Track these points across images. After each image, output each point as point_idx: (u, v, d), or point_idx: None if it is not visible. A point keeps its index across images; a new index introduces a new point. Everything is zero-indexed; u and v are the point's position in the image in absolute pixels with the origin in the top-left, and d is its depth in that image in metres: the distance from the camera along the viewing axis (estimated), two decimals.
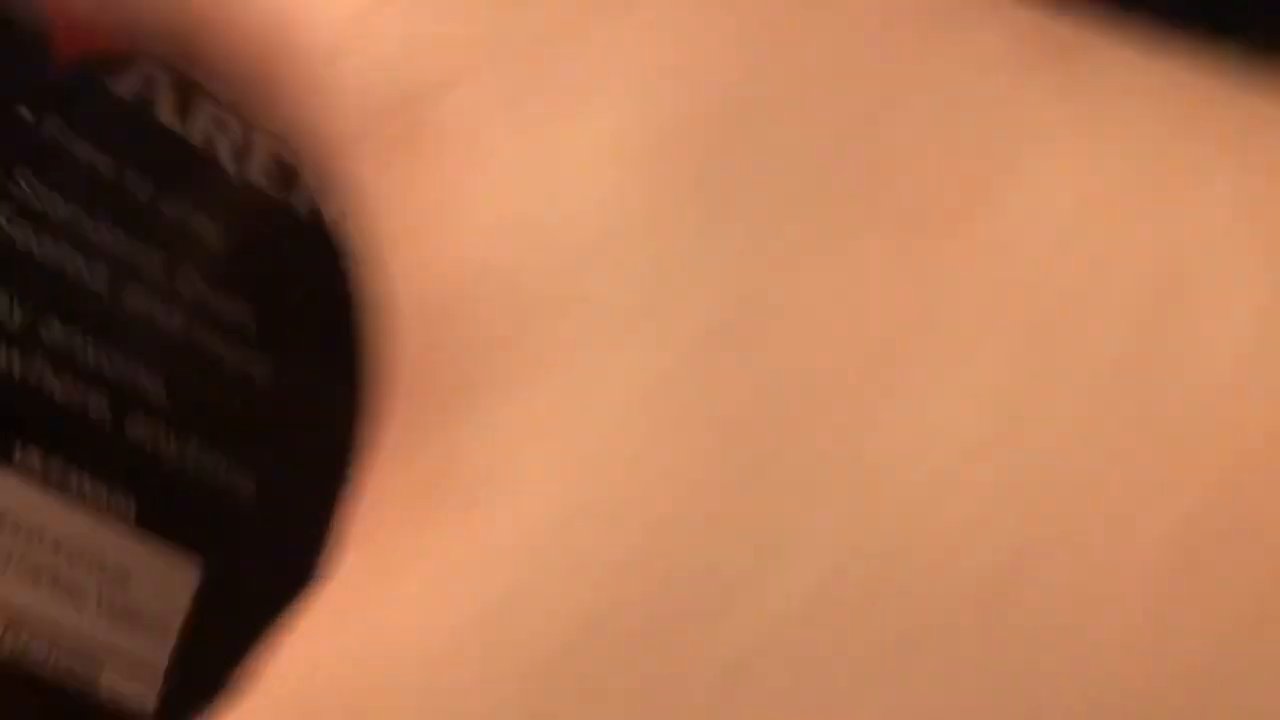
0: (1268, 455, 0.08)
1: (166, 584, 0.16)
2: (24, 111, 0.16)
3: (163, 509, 0.16)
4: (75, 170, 0.17)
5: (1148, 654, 0.08)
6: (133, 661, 0.16)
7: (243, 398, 0.17)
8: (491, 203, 0.10)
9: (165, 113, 0.17)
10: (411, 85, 0.10)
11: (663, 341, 0.09)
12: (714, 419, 0.09)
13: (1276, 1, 0.19)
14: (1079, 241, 0.09)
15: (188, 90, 0.17)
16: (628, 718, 0.08)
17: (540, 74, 0.10)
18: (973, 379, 0.08)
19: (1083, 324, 0.08)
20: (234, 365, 0.17)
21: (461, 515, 0.09)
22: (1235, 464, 0.08)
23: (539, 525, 0.09)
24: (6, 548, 0.15)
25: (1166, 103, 0.10)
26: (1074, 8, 0.10)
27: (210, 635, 0.16)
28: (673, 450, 0.09)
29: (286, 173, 0.18)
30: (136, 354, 0.17)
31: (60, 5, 0.16)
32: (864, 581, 0.08)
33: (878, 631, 0.08)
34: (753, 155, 0.09)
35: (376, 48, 0.10)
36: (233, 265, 0.18)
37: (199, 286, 0.17)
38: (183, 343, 0.17)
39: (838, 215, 0.09)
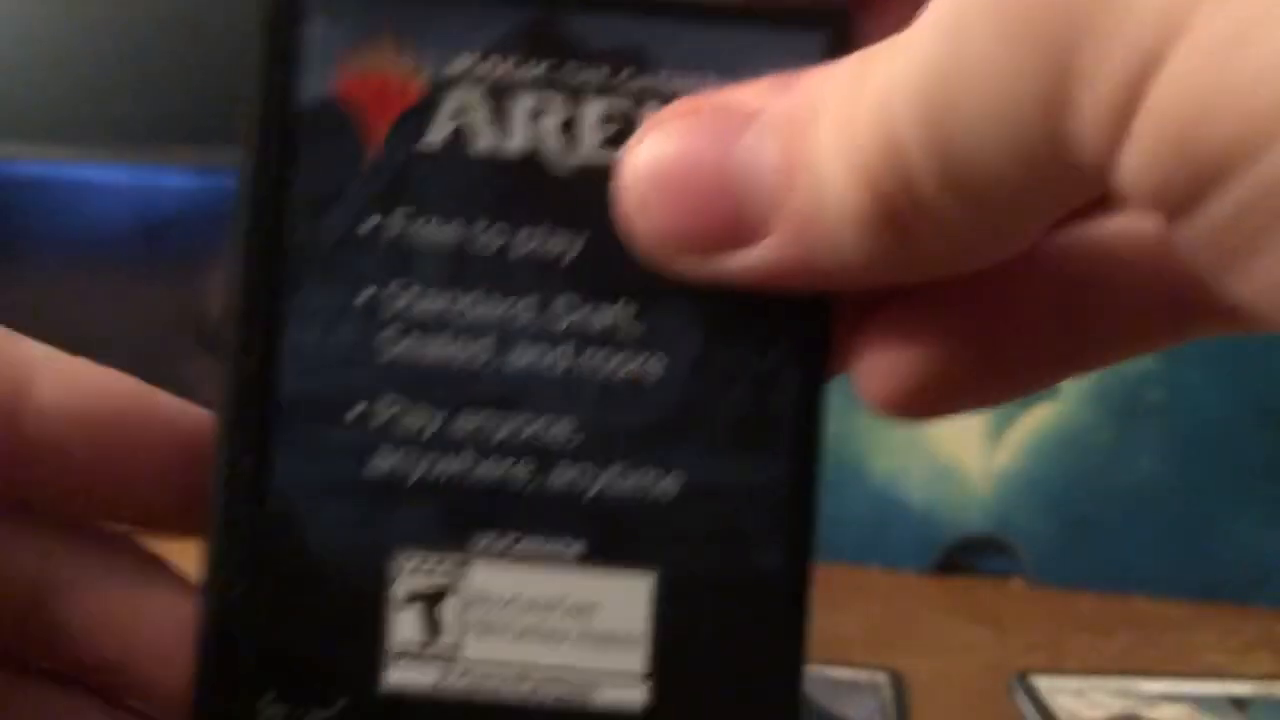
0: None
1: (626, 601, 0.18)
2: (370, 223, 0.18)
3: (604, 539, 0.18)
4: (431, 257, 0.18)
5: None
6: (615, 674, 0.18)
7: (643, 402, 0.18)
8: None
9: (482, 136, 0.18)
10: None
11: None
12: None
13: None
14: None
15: (500, 93, 0.18)
16: None
17: None
18: None
19: None
20: (627, 373, 0.18)
21: None
22: None
23: None
24: (493, 619, 0.18)
25: None
26: None
27: (675, 628, 0.18)
28: None
29: (623, 126, 0.18)
30: (538, 407, 0.18)
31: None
32: None
33: None
34: None
35: None
36: (593, 265, 0.18)
37: (572, 309, 0.18)
38: (575, 376, 0.18)
39: None
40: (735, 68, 0.17)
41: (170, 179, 0.57)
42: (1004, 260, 0.16)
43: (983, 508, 0.59)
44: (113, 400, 0.18)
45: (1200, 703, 0.48)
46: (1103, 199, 0.16)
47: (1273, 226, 0.12)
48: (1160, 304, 0.18)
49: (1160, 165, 0.13)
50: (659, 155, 0.17)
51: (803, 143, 0.16)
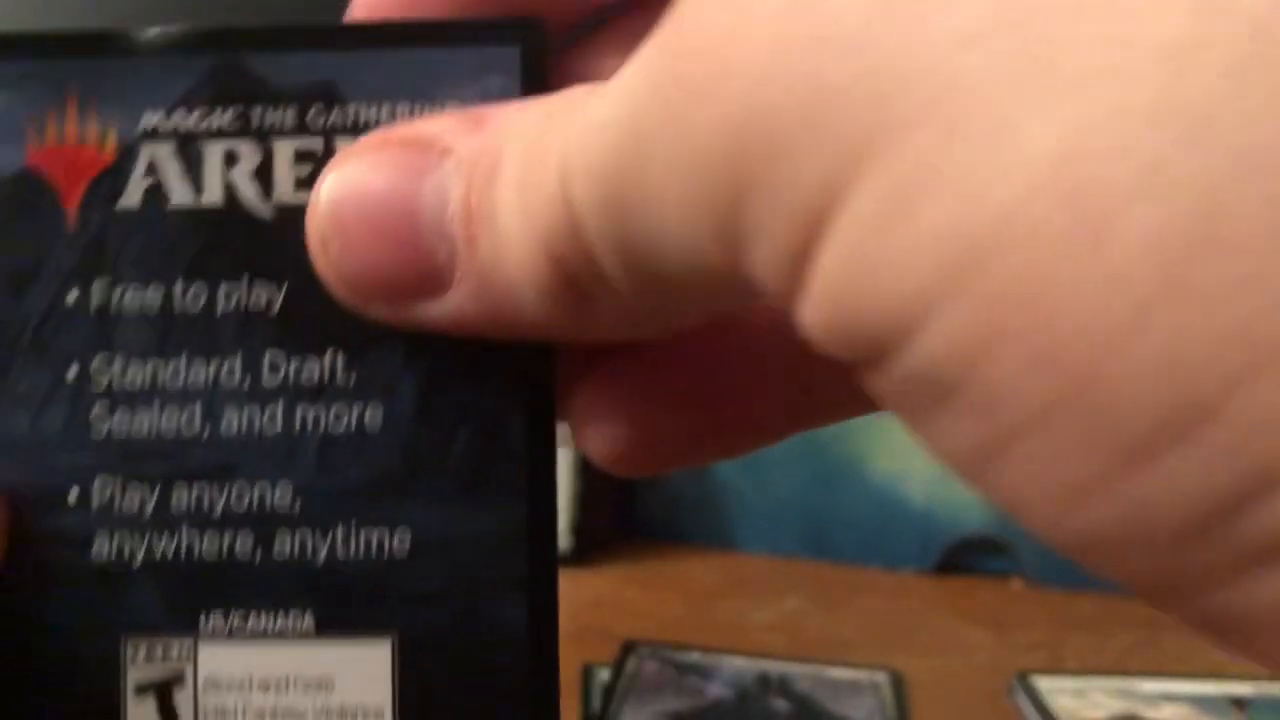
0: None
1: (365, 671, 0.17)
2: (71, 295, 0.17)
3: (336, 607, 0.17)
4: (135, 325, 0.17)
5: None
6: None
7: (362, 457, 0.17)
8: None
9: (176, 192, 0.17)
10: None
11: None
12: None
13: None
14: None
15: (191, 145, 0.17)
16: None
17: None
18: None
19: None
20: (343, 426, 0.17)
21: None
22: None
23: None
24: (228, 704, 0.17)
25: None
26: None
27: (420, 693, 0.17)
28: None
29: (316, 166, 0.17)
30: (253, 473, 0.17)
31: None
32: None
33: None
34: None
35: None
36: (297, 315, 0.17)
37: (280, 364, 0.17)
38: (288, 436, 0.17)
39: None
40: (430, 91, 0.17)
41: None
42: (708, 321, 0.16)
43: (983, 508, 0.59)
44: None
45: (1200, 702, 0.48)
46: None
47: (935, 408, 0.11)
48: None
49: (832, 331, 0.12)
50: (343, 192, 0.16)
51: (486, 193, 0.15)
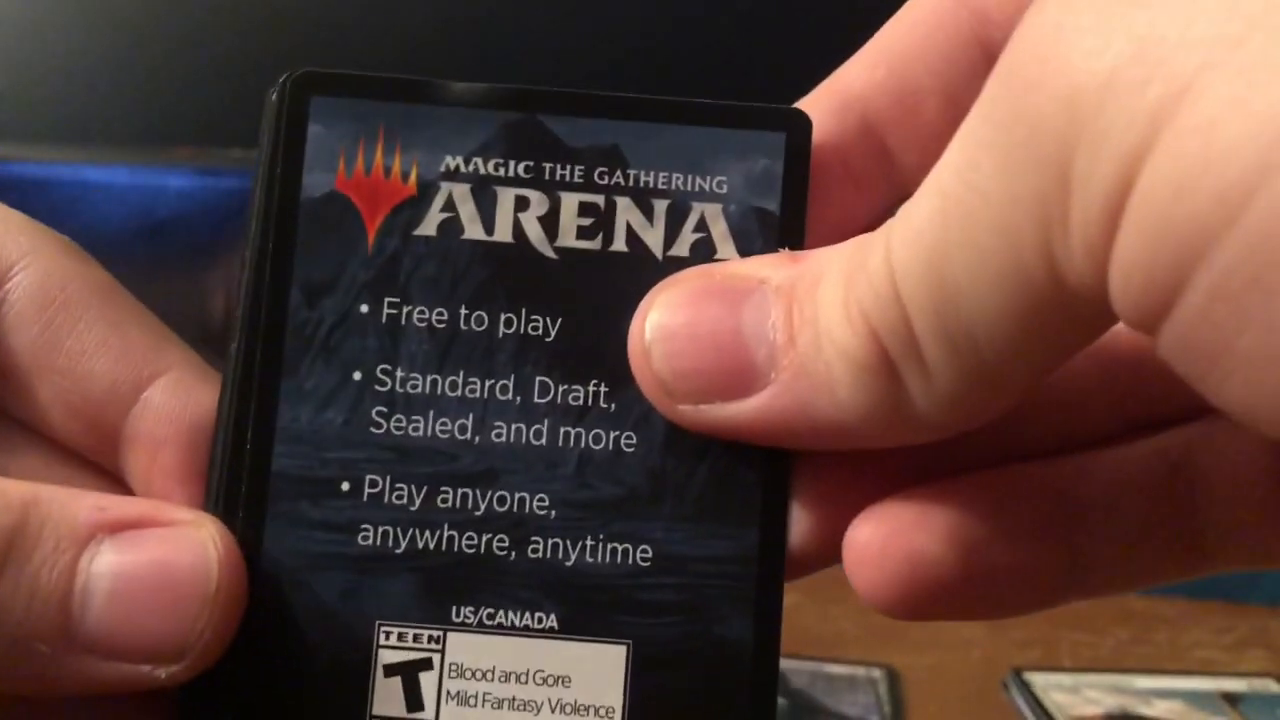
0: None
1: (600, 672, 0.19)
2: (363, 307, 0.19)
3: (578, 611, 0.19)
4: (420, 340, 0.19)
5: None
6: None
7: (614, 477, 0.19)
8: None
9: (469, 228, 0.19)
10: None
11: None
12: None
13: None
14: None
15: (485, 189, 0.19)
16: None
17: None
18: None
19: None
20: (600, 446, 0.19)
21: None
22: None
23: None
24: (470, 691, 0.19)
25: None
26: None
27: (648, 698, 0.19)
28: None
29: (598, 218, 0.19)
30: (515, 483, 0.19)
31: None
32: None
33: None
34: None
35: None
36: (568, 347, 0.19)
37: (549, 388, 0.19)
38: (550, 451, 0.19)
39: None
40: (703, 165, 0.19)
41: (171, 179, 0.57)
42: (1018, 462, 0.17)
43: None
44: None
45: (1193, 699, 0.48)
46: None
47: (1248, 302, 0.12)
48: (1170, 535, 0.18)
49: (1143, 257, 0.13)
50: (669, 318, 0.18)
51: (806, 302, 0.17)
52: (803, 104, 0.20)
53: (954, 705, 0.50)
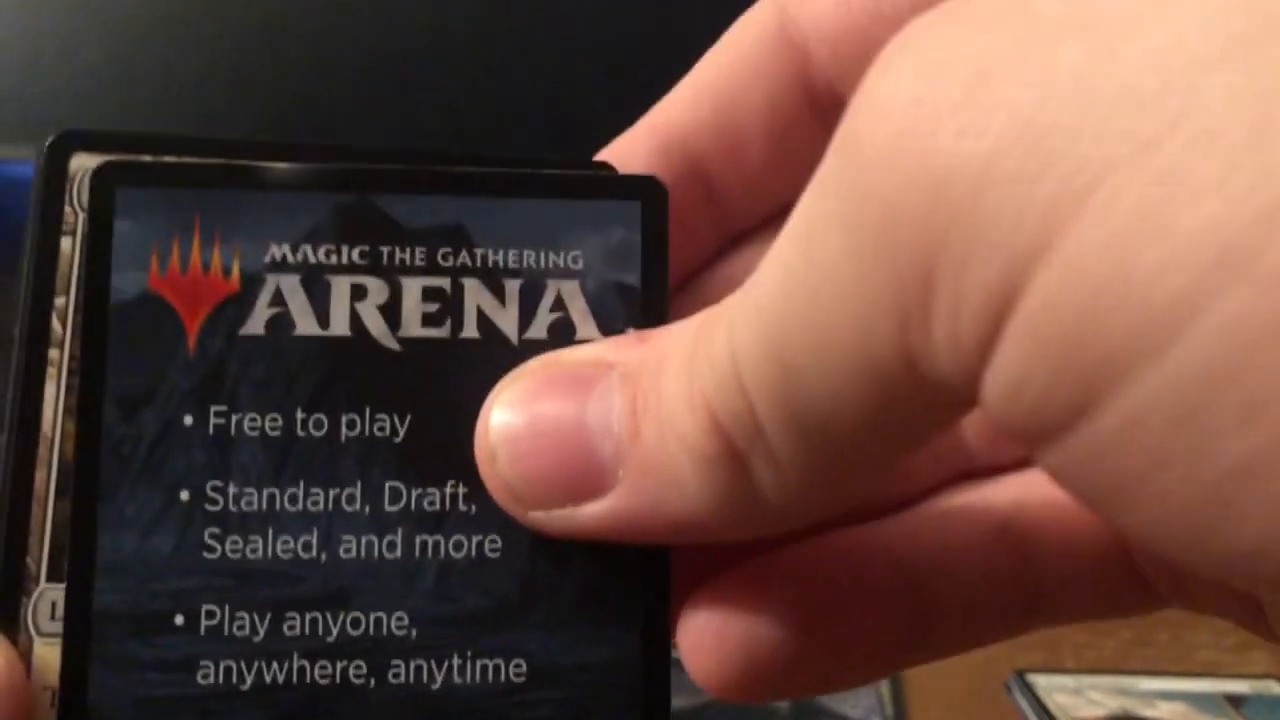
0: None
1: None
2: (187, 419, 0.17)
3: None
4: (253, 451, 0.17)
5: None
6: None
7: (480, 586, 0.17)
8: None
9: (301, 322, 0.17)
10: None
11: None
12: None
13: None
14: None
15: (317, 279, 0.17)
16: None
17: None
18: None
19: None
20: (462, 554, 0.17)
21: None
22: None
23: None
24: None
25: None
26: None
27: None
28: None
29: (443, 303, 0.17)
30: (370, 602, 0.17)
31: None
32: None
33: None
34: None
35: None
36: (420, 446, 0.17)
37: (401, 494, 0.17)
38: (406, 564, 0.17)
39: None
40: (555, 239, 0.17)
41: None
42: (843, 526, 0.16)
43: None
44: None
45: (1196, 700, 0.48)
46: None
47: (1171, 441, 0.10)
48: (1007, 591, 0.18)
49: (1039, 375, 0.11)
50: (513, 417, 0.17)
51: (650, 390, 0.15)
52: (623, 141, 0.19)
53: (956, 707, 0.49)
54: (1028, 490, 0.18)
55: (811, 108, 0.18)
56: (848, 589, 0.17)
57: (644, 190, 0.18)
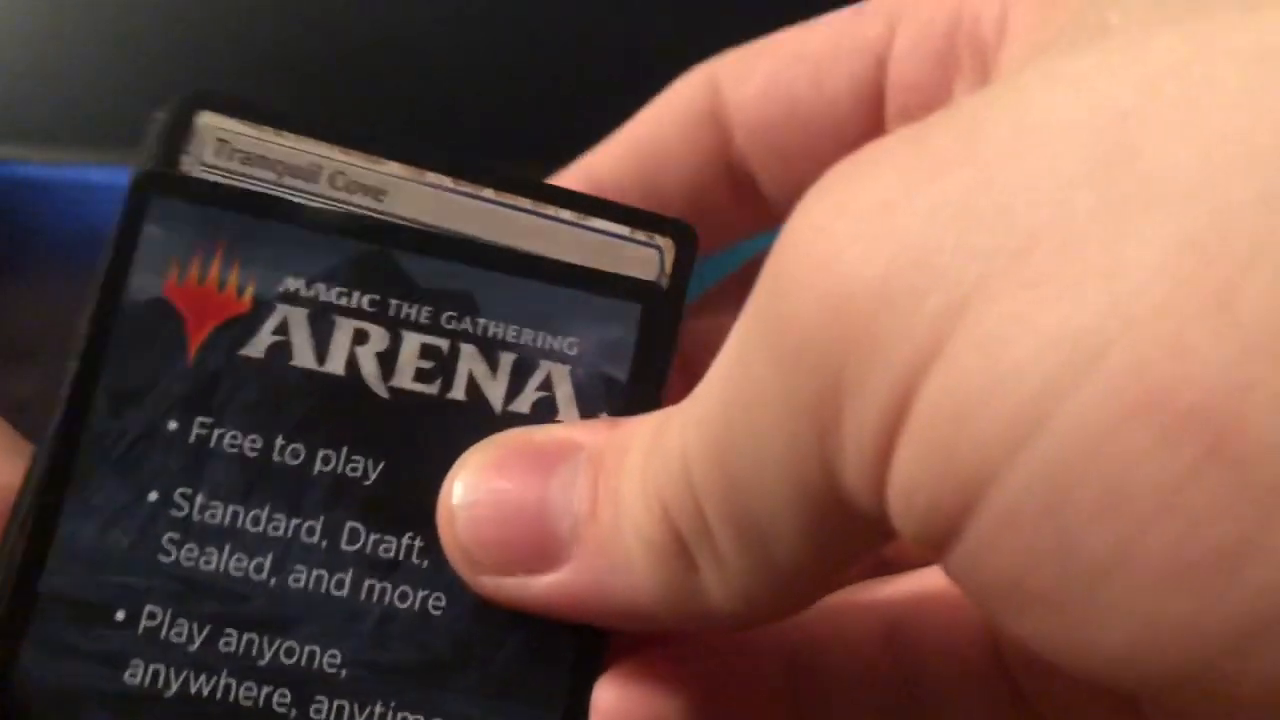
0: None
1: None
2: (170, 424, 0.18)
3: None
4: (228, 467, 0.18)
5: None
6: None
7: (416, 641, 0.18)
8: None
9: (300, 354, 0.18)
10: None
11: None
12: None
13: None
14: None
15: (324, 317, 0.18)
16: None
17: None
18: None
19: None
20: (406, 606, 0.18)
21: None
22: None
23: None
24: None
25: None
26: None
27: None
28: None
29: (438, 363, 0.18)
30: (308, 634, 0.17)
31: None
32: None
33: None
34: None
35: None
36: (387, 494, 0.18)
37: (360, 536, 0.18)
38: (351, 605, 0.18)
39: None
40: (555, 325, 0.18)
41: None
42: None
43: None
44: None
45: None
46: None
47: (1040, 538, 0.11)
48: (886, 694, 0.18)
49: (926, 480, 0.12)
50: (478, 481, 0.17)
51: (612, 474, 0.16)
52: (557, 181, 0.20)
53: None
54: (915, 595, 0.18)
55: (729, 179, 0.20)
56: (744, 680, 0.18)
57: (648, 295, 0.18)
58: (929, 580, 0.18)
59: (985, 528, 0.11)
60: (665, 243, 0.19)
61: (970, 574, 0.12)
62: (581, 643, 0.18)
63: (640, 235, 0.19)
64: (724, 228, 0.21)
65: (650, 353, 0.18)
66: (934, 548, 0.12)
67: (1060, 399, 0.10)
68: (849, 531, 0.14)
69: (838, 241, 0.12)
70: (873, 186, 0.12)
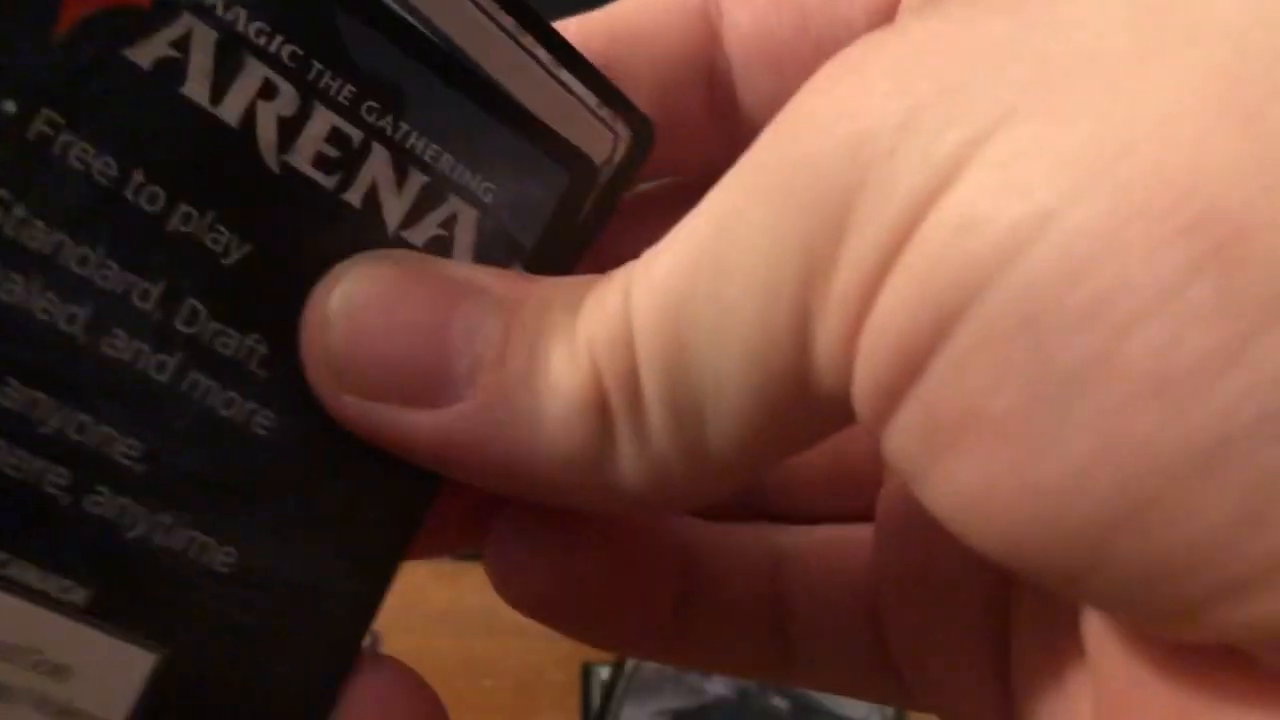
0: None
1: (113, 677, 0.14)
2: (8, 106, 0.13)
3: (119, 596, 0.14)
4: (66, 184, 0.14)
5: None
6: None
7: (228, 454, 0.15)
8: None
9: (193, 83, 0.14)
10: None
11: None
12: None
13: None
14: None
15: (234, 50, 0.15)
16: None
17: None
18: None
19: None
20: (228, 413, 0.15)
21: None
22: None
23: None
24: None
25: None
26: None
27: None
28: None
29: (343, 154, 0.15)
30: (109, 414, 0.14)
31: None
32: None
33: None
34: None
35: None
36: (243, 282, 0.15)
37: (200, 318, 0.15)
38: (168, 397, 0.15)
39: None
40: (476, 158, 0.16)
41: None
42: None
43: None
44: None
45: None
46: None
47: (1014, 350, 0.11)
48: (763, 628, 0.18)
49: (903, 308, 0.12)
50: (369, 289, 0.15)
51: (530, 323, 0.15)
52: None
53: None
54: (798, 544, 0.19)
55: (706, 83, 0.19)
56: (639, 564, 0.18)
57: (576, 166, 0.17)
58: (820, 533, 0.19)
59: (955, 352, 0.11)
60: (623, 131, 0.17)
61: (920, 420, 0.12)
62: (408, 501, 0.16)
63: (604, 112, 0.17)
64: (685, 140, 0.19)
65: (565, 229, 0.17)
66: (887, 398, 0.12)
67: (1070, 204, 0.10)
68: (790, 420, 0.13)
69: (869, 79, 0.12)
70: (908, 36, 0.12)
